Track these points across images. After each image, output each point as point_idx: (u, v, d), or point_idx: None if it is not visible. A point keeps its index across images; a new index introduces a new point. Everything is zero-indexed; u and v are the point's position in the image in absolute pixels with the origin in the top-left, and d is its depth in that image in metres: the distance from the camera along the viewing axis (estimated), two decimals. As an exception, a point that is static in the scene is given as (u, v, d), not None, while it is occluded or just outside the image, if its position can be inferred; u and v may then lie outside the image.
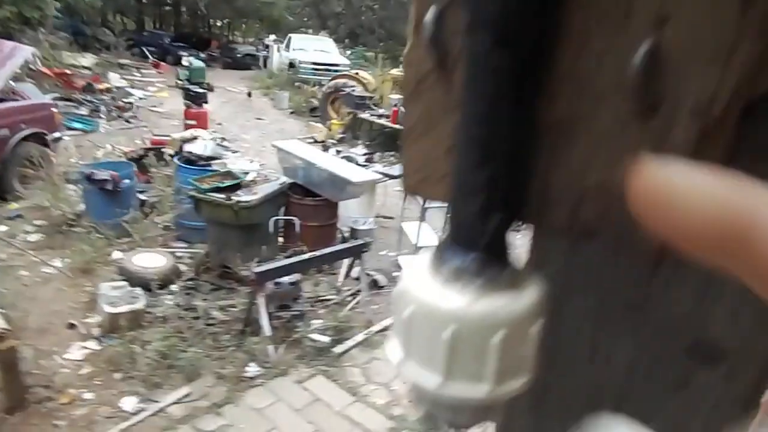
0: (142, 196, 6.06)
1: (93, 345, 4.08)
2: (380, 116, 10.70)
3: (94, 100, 11.51)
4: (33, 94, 7.45)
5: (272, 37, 23.98)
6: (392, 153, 10.43)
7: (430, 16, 0.23)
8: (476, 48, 0.21)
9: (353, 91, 11.79)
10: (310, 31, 29.06)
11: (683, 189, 0.16)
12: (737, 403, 0.32)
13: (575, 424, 0.31)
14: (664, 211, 0.17)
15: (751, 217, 0.15)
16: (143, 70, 17.38)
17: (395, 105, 10.31)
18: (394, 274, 5.83)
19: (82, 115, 10.57)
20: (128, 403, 3.55)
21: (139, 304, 4.28)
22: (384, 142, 10.73)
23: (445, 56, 0.24)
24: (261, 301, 4.06)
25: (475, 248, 0.22)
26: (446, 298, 0.22)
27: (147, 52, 19.95)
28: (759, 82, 0.20)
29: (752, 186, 0.16)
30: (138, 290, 4.45)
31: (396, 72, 14.18)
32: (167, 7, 30.10)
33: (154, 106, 12.71)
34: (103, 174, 5.41)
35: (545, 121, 0.23)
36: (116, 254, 5.27)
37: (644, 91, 0.20)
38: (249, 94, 15.95)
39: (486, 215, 0.22)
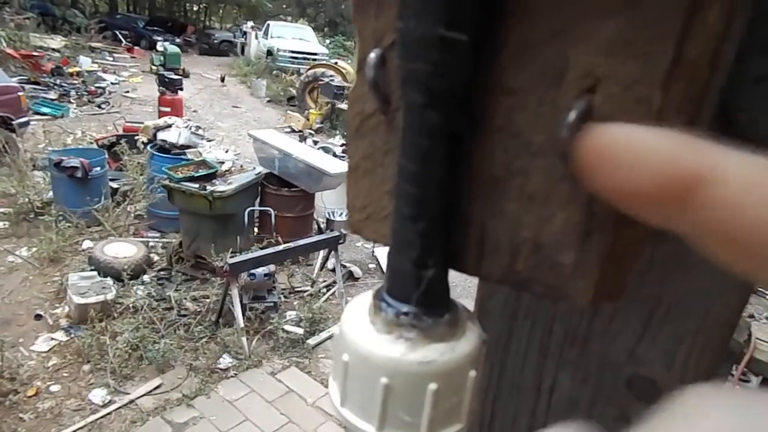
0: (113, 184, 5.93)
1: (61, 336, 4.00)
2: (359, 107, 10.62)
3: (64, 84, 11.17)
4: (-2, 77, 7.19)
5: (250, 23, 23.55)
6: (370, 144, 10.39)
7: (371, 59, 0.23)
8: (410, 104, 0.21)
9: (332, 80, 11.69)
10: (289, 18, 28.67)
11: (629, 147, 0.17)
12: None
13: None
14: (611, 170, 0.17)
15: (696, 171, 0.15)
16: (116, 55, 16.91)
17: (374, 96, 10.25)
18: (370, 265, 5.85)
19: (51, 99, 10.26)
20: (97, 395, 3.50)
21: (110, 295, 4.21)
22: (362, 132, 10.67)
23: (388, 99, 0.24)
24: (234, 292, 4.03)
25: (410, 299, 0.23)
26: (380, 348, 0.22)
27: (120, 36, 19.40)
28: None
29: (697, 141, 0.16)
30: (108, 280, 4.37)
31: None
32: (141, -11, 29.28)
33: (127, 92, 12.39)
34: (72, 161, 5.27)
35: (480, 174, 0.23)
36: (86, 243, 5.16)
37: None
38: (222, 79, 15.73)
39: (420, 268, 0.22)
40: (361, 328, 0.24)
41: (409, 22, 0.20)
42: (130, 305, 4.26)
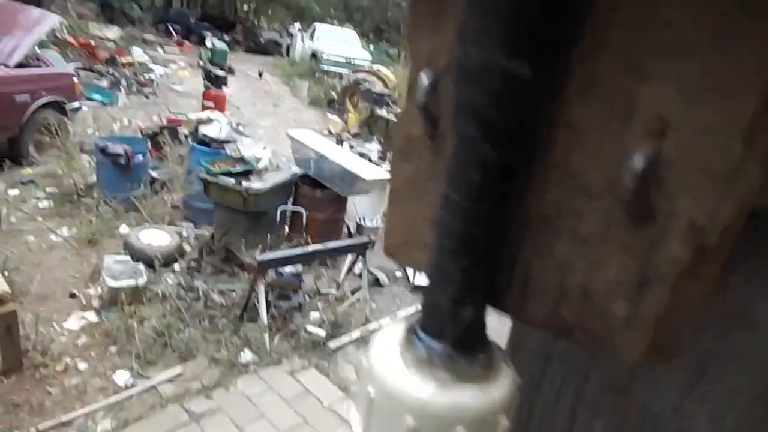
0: (153, 173, 6.10)
1: (92, 316, 4.12)
2: (397, 114, 10.66)
3: (116, 73, 11.58)
4: (56, 62, 7.51)
5: (297, 25, 23.96)
6: (406, 152, 10.37)
7: (423, 82, 0.22)
8: (462, 135, 0.20)
9: (373, 86, 11.75)
10: (336, 22, 29.01)
11: None
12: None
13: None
14: None
15: None
16: (166, 48, 17.44)
17: (413, 104, 10.24)
18: (397, 273, 5.82)
19: (103, 87, 10.64)
20: (121, 377, 3.59)
21: (141, 280, 4.31)
22: (399, 140, 10.67)
23: (437, 123, 0.23)
24: (261, 288, 4.07)
25: (444, 338, 0.22)
26: (410, 386, 0.21)
27: (172, 30, 20.01)
28: (758, 205, 0.19)
29: None
30: (141, 266, 4.48)
31: (417, 71, 14.11)
32: (195, -14, 30.18)
33: (174, 84, 12.76)
34: (117, 148, 5.45)
35: (531, 212, 0.22)
36: (123, 228, 5.31)
37: (638, 199, 0.19)
38: (260, 74, 16.05)
39: (458, 307, 0.21)
40: (391, 362, 0.22)
41: (469, 48, 0.19)
42: (160, 292, 4.36)
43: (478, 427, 0.21)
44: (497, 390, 0.21)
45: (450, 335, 0.21)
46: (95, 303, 4.27)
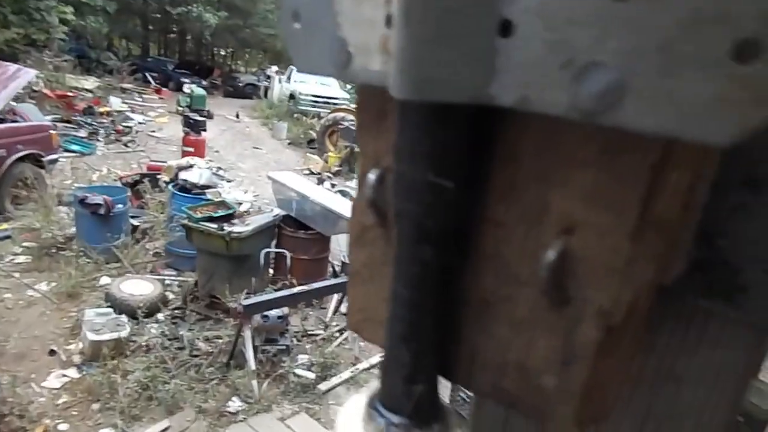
0: (134, 222, 6.05)
1: (73, 373, 4.01)
2: (377, 150, 10.81)
3: (94, 123, 11.59)
4: (33, 115, 7.50)
5: (274, 68, 24.37)
6: (387, 187, 10.49)
7: (370, 179, 0.26)
8: (402, 237, 0.23)
9: (351, 124, 11.93)
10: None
11: None
12: None
13: None
14: None
15: None
16: (145, 95, 17.57)
17: (392, 140, 10.42)
18: (384, 310, 5.79)
19: (81, 137, 10.63)
20: (104, 436, 3.47)
21: (124, 332, 4.22)
22: (379, 176, 10.80)
23: (385, 214, 0.26)
24: (247, 334, 4.02)
25: (400, 413, 0.24)
26: None
27: (150, 78, 20.19)
28: (659, 281, 0.23)
29: None
30: (123, 317, 4.40)
31: (394, 107, 14.37)
32: (173, 35, 30.65)
33: (153, 131, 12.79)
34: (96, 198, 5.41)
35: (473, 297, 0.25)
36: (104, 279, 5.23)
37: (554, 288, 0.22)
38: (237, 116, 16.43)
39: (411, 384, 0.24)
40: (355, 432, 0.25)
41: (402, 165, 0.22)
42: (143, 343, 4.27)
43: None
44: None
45: (405, 409, 0.24)
46: (76, 359, 4.16)
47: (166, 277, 5.52)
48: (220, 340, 4.44)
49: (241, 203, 5.28)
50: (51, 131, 7.24)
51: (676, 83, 0.17)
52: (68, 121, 11.33)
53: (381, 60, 0.23)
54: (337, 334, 5.02)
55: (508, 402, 0.24)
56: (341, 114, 13.04)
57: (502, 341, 0.24)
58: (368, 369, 4.65)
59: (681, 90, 0.16)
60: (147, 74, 20.41)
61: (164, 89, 19.37)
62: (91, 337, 4.10)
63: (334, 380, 4.36)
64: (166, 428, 3.62)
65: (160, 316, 4.77)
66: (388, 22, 0.22)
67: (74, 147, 9.89)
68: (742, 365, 0.30)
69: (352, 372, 4.49)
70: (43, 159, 6.86)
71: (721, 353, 0.30)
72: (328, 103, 16.98)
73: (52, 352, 4.22)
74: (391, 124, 0.25)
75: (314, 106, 17.20)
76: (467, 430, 0.26)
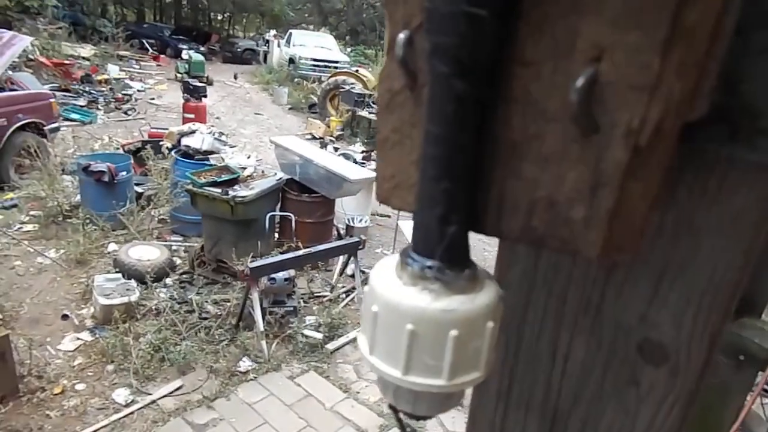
0: (138, 189, 6.06)
1: (86, 336, 4.10)
2: (379, 114, 10.72)
3: (93, 92, 11.48)
4: (31, 84, 7.43)
5: (273, 32, 23.91)
6: (390, 151, 10.45)
7: (401, 39, 0.25)
8: (437, 74, 0.23)
9: (353, 88, 11.79)
10: (311, 27, 29.00)
11: None
12: (681, 397, 0.35)
13: (536, 415, 0.33)
14: None
15: None
16: (142, 63, 17.32)
17: (394, 103, 10.33)
18: (389, 272, 5.85)
19: (80, 106, 10.55)
20: (120, 394, 3.57)
21: (134, 297, 4.29)
22: (382, 140, 10.74)
23: (415, 76, 0.26)
24: (255, 296, 4.08)
25: (434, 254, 0.25)
26: (407, 298, 0.24)
27: (146, 45, 19.87)
28: (684, 113, 0.23)
29: None
30: (132, 282, 4.47)
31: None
32: (168, 0, 30.01)
33: (153, 99, 12.67)
34: (100, 166, 5.41)
35: (500, 139, 0.25)
36: (112, 246, 5.28)
37: (584, 116, 0.22)
38: (235, 77, 16.41)
39: (444, 225, 0.24)
40: (390, 281, 0.25)
41: (436, 1, 0.22)
42: (153, 307, 4.34)
43: (469, 328, 0.24)
44: (483, 298, 0.25)
45: (439, 252, 0.24)
46: (89, 323, 4.25)
47: (172, 243, 5.57)
48: (229, 303, 4.51)
49: (244, 168, 5.27)
50: (51, 99, 7.18)
51: None
52: (67, 90, 11.22)
53: None
54: (344, 296, 5.09)
55: (537, 240, 0.25)
56: (342, 77, 12.87)
57: (532, 180, 0.24)
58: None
59: None
60: (144, 41, 20.07)
61: (162, 56, 19.08)
62: (102, 301, 4.17)
63: (342, 340, 4.45)
64: (179, 387, 3.73)
65: (168, 280, 4.84)
66: None
67: (74, 116, 9.83)
68: (760, 211, 0.31)
69: (358, 332, 4.57)
70: (44, 128, 6.83)
71: (741, 200, 0.31)
72: (329, 66, 16.73)
73: (65, 317, 4.30)
74: None
75: (314, 71, 16.96)
76: (495, 281, 0.26)
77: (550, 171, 0.24)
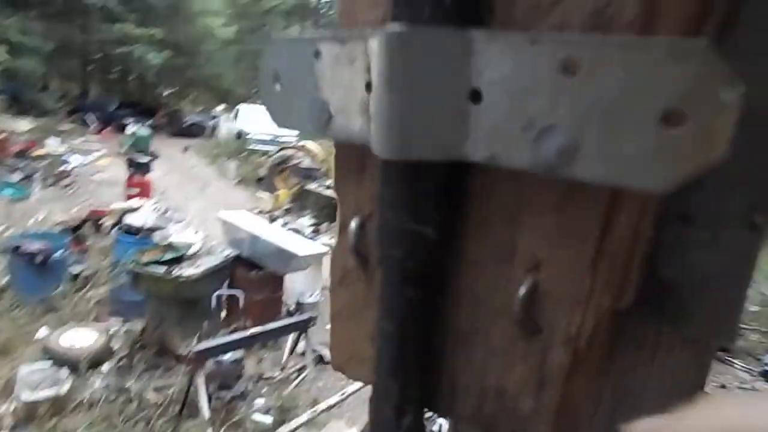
0: (76, 269, 5.75)
1: (5, 437, 3.70)
2: (328, 187, 10.86)
3: (28, 167, 11.05)
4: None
5: (221, 107, 24.19)
6: (340, 223, 10.51)
7: (352, 227, 0.28)
8: (387, 281, 0.26)
9: (301, 162, 11.94)
10: (259, 102, 29.47)
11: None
12: None
13: None
14: None
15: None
16: (85, 137, 16.97)
17: (343, 176, 10.53)
18: (341, 347, 5.70)
19: (14, 181, 10.10)
20: (43, 503, 3.20)
21: (64, 388, 3.95)
22: (332, 213, 10.82)
23: (366, 259, 0.28)
24: (200, 380, 3.85)
25: None
26: None
27: (90, 119, 19.56)
28: (615, 306, 0.26)
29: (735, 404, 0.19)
30: (63, 371, 4.12)
31: (344, 143, 14.53)
32: (113, 75, 29.96)
33: (94, 174, 12.33)
34: (32, 246, 5.13)
35: (450, 331, 0.27)
36: (42, 331, 4.90)
37: (526, 320, 0.25)
38: (185, 149, 16.32)
39: (400, 416, 0.26)
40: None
41: (386, 215, 0.24)
42: (86, 399, 4.00)
43: None
44: None
45: None
46: (7, 421, 3.85)
47: (110, 326, 5.24)
48: (171, 390, 4.22)
49: (190, 245, 5.14)
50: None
51: (618, 142, 0.20)
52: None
53: (361, 120, 0.25)
54: (295, 376, 4.89)
55: (488, 426, 0.26)
56: (290, 152, 13.03)
57: (481, 368, 0.26)
58: (327, 410, 4.54)
59: (621, 148, 0.20)
60: (87, 115, 19.77)
61: (105, 130, 18.79)
62: (25, 396, 3.81)
63: (293, 423, 4.22)
64: (113, 489, 3.39)
65: (104, 367, 4.50)
66: (367, 88, 0.25)
67: (6, 191, 9.38)
68: (691, 377, 0.34)
69: (311, 414, 4.37)
70: (-28, 206, 6.46)
71: (672, 369, 0.34)
72: (277, 141, 16.96)
73: (-18, 416, 3.88)
74: (370, 176, 0.27)
75: (263, 144, 17.13)
76: None
77: (497, 362, 0.26)
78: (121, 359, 4.68)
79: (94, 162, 13.57)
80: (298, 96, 0.29)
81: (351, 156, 0.29)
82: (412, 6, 0.22)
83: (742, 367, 6.39)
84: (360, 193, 0.28)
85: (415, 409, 0.26)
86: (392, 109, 0.23)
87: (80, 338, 4.58)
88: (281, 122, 0.30)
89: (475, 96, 0.22)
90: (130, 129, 15.91)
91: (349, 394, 4.87)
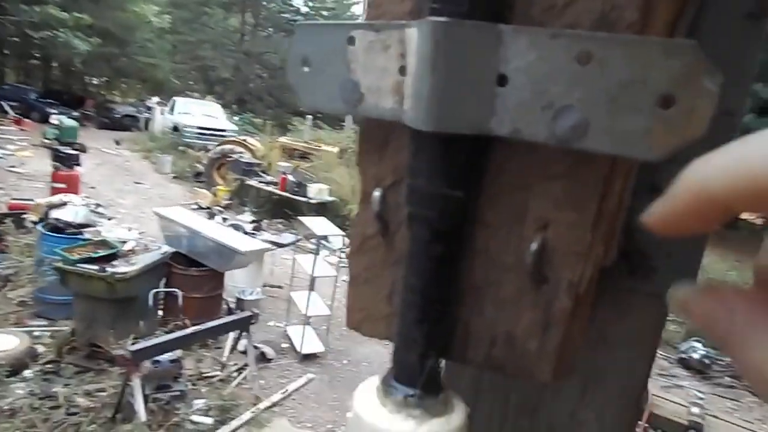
0: (-7, 268, 5.36)
1: None
2: (268, 183, 10.69)
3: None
4: None
5: (155, 98, 23.19)
6: (280, 220, 10.38)
7: (376, 196, 0.31)
8: (417, 238, 0.29)
9: (241, 157, 11.69)
10: (197, 95, 28.57)
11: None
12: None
13: None
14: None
15: None
16: (2, 127, 15.77)
17: (283, 172, 10.42)
18: (283, 345, 5.65)
19: None
20: None
21: (-18, 396, 3.69)
22: (272, 209, 10.66)
23: (387, 225, 0.31)
24: (136, 382, 3.70)
25: (415, 385, 0.29)
26: (395, 426, 0.28)
27: (7, 107, 18.20)
28: (603, 262, 0.31)
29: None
30: (-19, 379, 3.85)
31: (284, 140, 14.36)
32: (35, 61, 28.02)
33: (14, 167, 11.49)
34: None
35: (467, 285, 0.31)
36: (-45, 337, 4.54)
37: (536, 272, 0.29)
38: (117, 143, 15.66)
39: (423, 361, 0.29)
40: (375, 409, 0.29)
41: (419, 181, 0.28)
42: (7, 407, 3.75)
43: (451, 445, 0.28)
44: (456, 418, 0.29)
45: (420, 382, 0.29)
46: None
47: (34, 329, 4.93)
48: (104, 393, 4.04)
49: (124, 242, 4.92)
50: None
51: (621, 120, 0.24)
52: None
53: (393, 100, 0.29)
54: (235, 374, 4.80)
55: (498, 368, 0.30)
56: (230, 146, 12.73)
57: (492, 318, 0.30)
58: (270, 408, 4.49)
59: (624, 125, 0.24)
60: (3, 103, 18.38)
61: (26, 120, 17.55)
62: (-62, 405, 3.53)
63: (234, 423, 4.15)
64: (40, 500, 3.20)
65: (27, 373, 4.23)
66: (401, 72, 0.28)
67: None
68: (653, 330, 0.39)
69: (252, 413, 4.31)
70: None
71: (640, 321, 0.39)
72: (216, 135, 16.48)
73: None
74: (392, 151, 0.30)
75: (200, 139, 16.58)
76: (461, 399, 0.31)
77: (508, 311, 0.30)
78: (46, 363, 4.42)
79: (13, 154, 12.65)
80: (327, 77, 0.31)
81: (376, 133, 0.32)
82: (453, 3, 0.26)
83: (661, 355, 6.92)
84: (381, 167, 0.32)
85: (435, 355, 0.30)
86: (433, 89, 0.26)
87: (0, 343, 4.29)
88: (308, 102, 0.32)
89: (502, 80, 0.26)
90: (55, 119, 14.96)
91: (292, 392, 4.85)
